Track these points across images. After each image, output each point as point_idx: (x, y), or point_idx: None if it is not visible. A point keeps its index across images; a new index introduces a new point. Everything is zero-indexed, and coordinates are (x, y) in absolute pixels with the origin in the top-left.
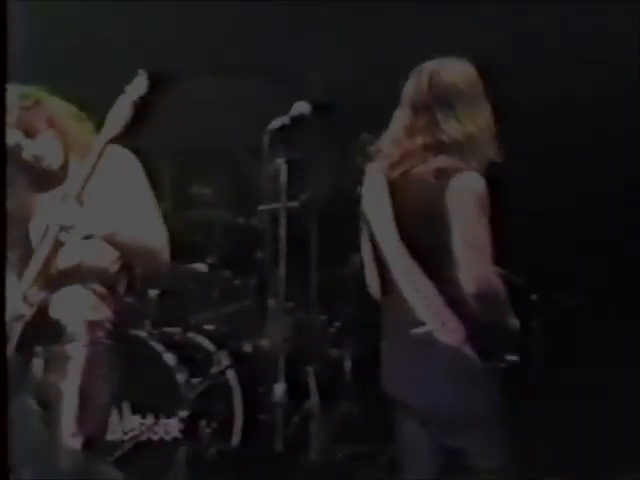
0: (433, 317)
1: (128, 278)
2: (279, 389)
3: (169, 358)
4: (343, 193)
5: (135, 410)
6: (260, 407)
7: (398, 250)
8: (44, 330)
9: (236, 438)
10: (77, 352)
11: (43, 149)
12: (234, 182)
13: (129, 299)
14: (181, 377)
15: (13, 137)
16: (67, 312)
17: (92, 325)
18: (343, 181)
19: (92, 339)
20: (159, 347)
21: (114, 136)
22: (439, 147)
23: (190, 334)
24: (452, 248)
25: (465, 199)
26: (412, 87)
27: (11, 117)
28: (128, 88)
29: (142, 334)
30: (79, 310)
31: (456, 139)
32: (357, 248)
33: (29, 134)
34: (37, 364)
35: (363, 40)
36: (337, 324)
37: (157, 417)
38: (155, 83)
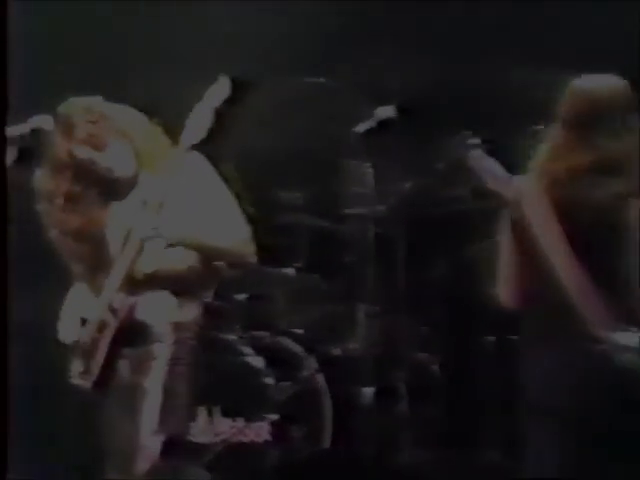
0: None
1: (215, 282)
2: (368, 393)
3: (258, 362)
4: (429, 195)
5: (226, 413)
6: (349, 411)
7: (567, 267)
8: (131, 333)
9: (325, 442)
10: (162, 352)
11: (114, 161)
12: (321, 186)
13: (217, 303)
14: (270, 381)
15: (84, 153)
16: (153, 314)
17: (178, 326)
18: (428, 183)
19: (177, 339)
20: (248, 351)
21: (196, 143)
22: (603, 167)
23: (279, 338)
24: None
25: None
26: (567, 104)
27: (80, 132)
28: (208, 93)
29: (231, 338)
30: (165, 312)
31: (617, 159)
32: (444, 251)
33: (99, 148)
34: (123, 365)
35: (442, 42)
36: (425, 328)
37: (248, 420)
38: (236, 87)
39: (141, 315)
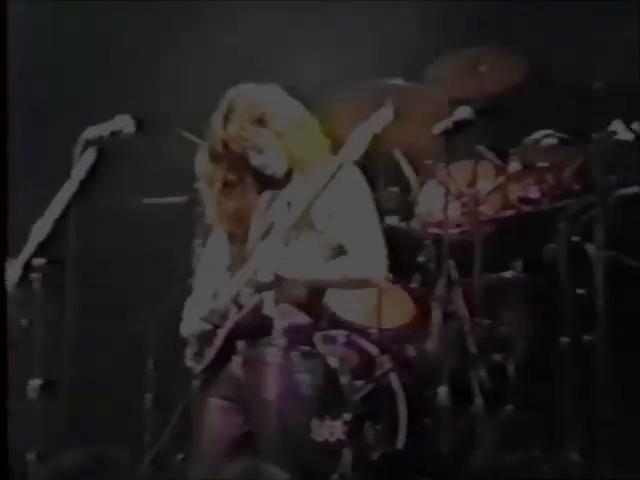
0: None
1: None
2: (442, 392)
3: (332, 361)
4: (502, 196)
5: None
6: (424, 410)
7: None
8: (251, 329)
9: (400, 441)
10: (275, 358)
11: (266, 161)
12: (395, 186)
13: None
14: (344, 379)
15: (237, 147)
16: (277, 313)
17: (292, 329)
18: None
19: (290, 343)
20: (323, 349)
21: (350, 161)
22: None
23: (354, 337)
24: None
25: None
26: None
27: (234, 128)
28: (372, 119)
29: None
30: (287, 312)
31: None
32: (520, 252)
33: (251, 147)
34: (236, 361)
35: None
36: (501, 328)
37: (322, 418)
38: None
39: (267, 311)
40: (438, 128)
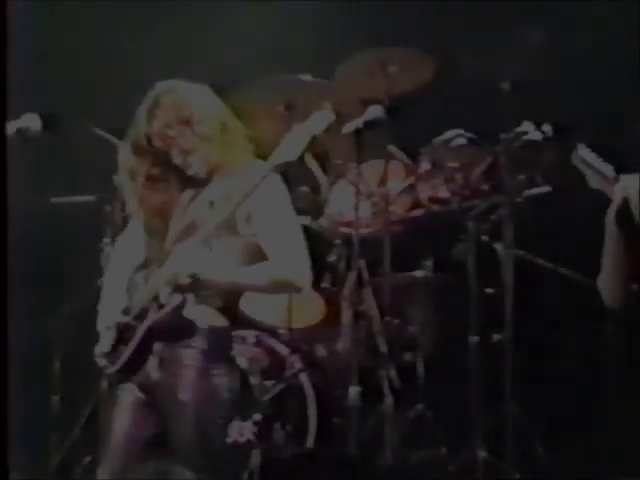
0: None
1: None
2: (353, 392)
3: (242, 361)
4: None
5: None
6: (334, 410)
7: None
8: (170, 330)
9: (310, 441)
10: (192, 359)
11: (190, 162)
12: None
13: None
14: (254, 380)
15: (160, 144)
16: (198, 315)
17: (212, 332)
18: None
19: (209, 346)
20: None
21: (284, 164)
22: None
23: (263, 337)
24: None
25: None
26: None
27: (158, 124)
28: (311, 120)
29: None
30: (207, 314)
31: None
32: (429, 252)
33: (173, 146)
34: (152, 362)
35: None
36: (410, 327)
37: (231, 419)
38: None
39: (188, 314)
40: (348, 127)
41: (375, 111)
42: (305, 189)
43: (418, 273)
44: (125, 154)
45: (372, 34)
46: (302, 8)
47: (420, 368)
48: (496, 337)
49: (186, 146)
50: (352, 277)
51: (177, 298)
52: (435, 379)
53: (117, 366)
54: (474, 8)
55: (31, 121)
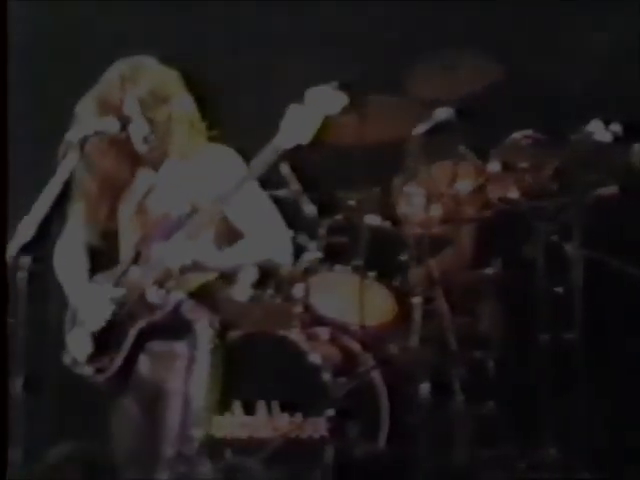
0: None
1: (275, 279)
2: (424, 389)
3: (315, 358)
4: (481, 196)
5: (284, 408)
6: (405, 408)
7: None
8: (164, 329)
9: (382, 438)
10: (183, 351)
11: (149, 139)
12: (380, 186)
13: (276, 300)
14: (327, 377)
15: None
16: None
17: (197, 323)
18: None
19: (200, 339)
20: (306, 347)
21: (294, 147)
22: None
23: (337, 335)
24: None
25: None
26: None
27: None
28: (323, 99)
29: (290, 334)
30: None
31: None
32: (499, 251)
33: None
34: (143, 361)
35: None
36: (481, 325)
37: (305, 415)
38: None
39: (185, 313)
40: (419, 129)
41: (445, 112)
42: (376, 189)
43: (488, 271)
44: (86, 109)
45: (441, 35)
46: (372, 8)
47: (490, 366)
48: (565, 336)
49: (158, 120)
50: (423, 276)
51: (177, 296)
52: (505, 377)
53: (110, 373)
54: (541, 9)
55: (109, 124)
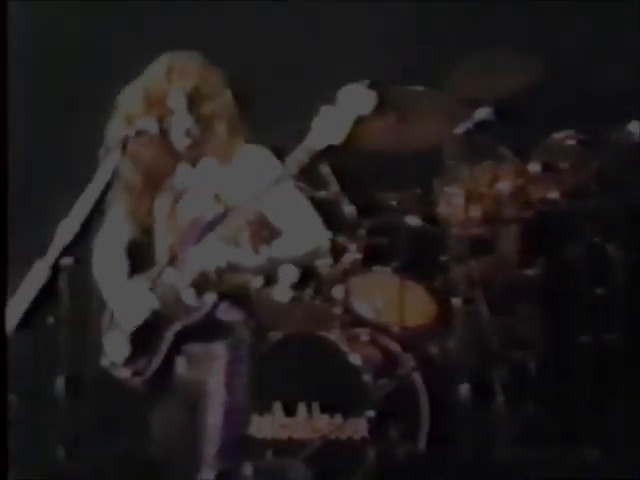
0: None
1: (315, 280)
2: (464, 390)
3: (355, 359)
4: (522, 196)
5: (324, 409)
6: (446, 409)
7: None
8: (201, 331)
9: (422, 439)
10: (221, 351)
11: (176, 133)
12: (420, 187)
13: (316, 301)
14: (367, 378)
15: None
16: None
17: (235, 324)
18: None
19: (236, 339)
20: (346, 348)
21: (325, 148)
22: None
23: (377, 336)
24: None
25: None
26: None
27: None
28: (354, 99)
29: (330, 335)
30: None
31: None
32: (540, 252)
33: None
34: (180, 362)
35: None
36: (521, 326)
37: (345, 417)
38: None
39: (221, 314)
40: (459, 129)
41: (485, 112)
42: (416, 190)
43: (529, 271)
44: (129, 99)
45: (481, 34)
46: (407, 9)
47: (531, 367)
48: (607, 337)
49: (201, 115)
50: (463, 277)
51: (211, 298)
52: (546, 377)
53: (147, 376)
54: (583, 8)
55: (150, 124)
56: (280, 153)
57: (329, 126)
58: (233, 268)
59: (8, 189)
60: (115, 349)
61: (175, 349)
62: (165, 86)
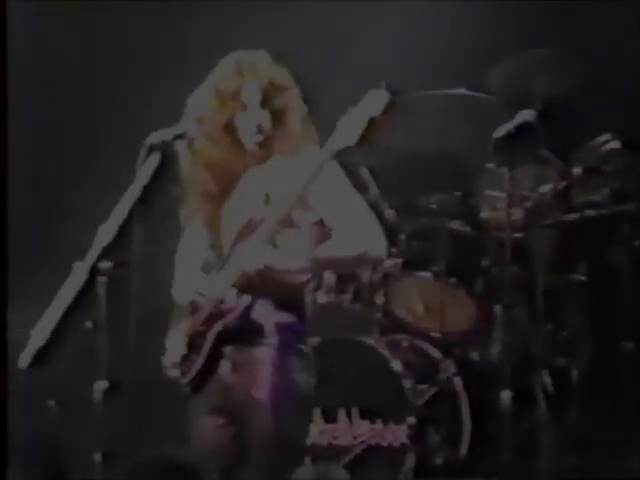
0: None
1: (354, 286)
2: (505, 397)
3: (396, 365)
4: (565, 200)
5: (364, 415)
6: (487, 415)
7: None
8: (240, 332)
9: (464, 446)
10: (266, 356)
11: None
12: (461, 190)
13: (355, 306)
14: (408, 384)
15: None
16: (265, 315)
17: (281, 327)
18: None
19: (282, 342)
20: (386, 353)
21: (343, 149)
22: None
23: (417, 341)
24: None
25: None
26: None
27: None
28: (366, 101)
29: (370, 341)
30: (270, 312)
31: None
32: (583, 256)
33: (274, 118)
34: (224, 366)
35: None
36: (564, 333)
37: (386, 423)
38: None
39: (256, 315)
40: (500, 131)
41: (527, 115)
42: (458, 193)
43: (572, 277)
44: (200, 100)
45: (524, 36)
46: (449, 10)
47: (574, 373)
48: None
49: (275, 109)
50: (504, 282)
51: (246, 299)
52: (590, 385)
53: (190, 376)
54: (625, 9)
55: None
56: None
57: (346, 127)
58: (273, 270)
59: (8, 189)
60: (173, 348)
61: (217, 350)
62: (237, 81)
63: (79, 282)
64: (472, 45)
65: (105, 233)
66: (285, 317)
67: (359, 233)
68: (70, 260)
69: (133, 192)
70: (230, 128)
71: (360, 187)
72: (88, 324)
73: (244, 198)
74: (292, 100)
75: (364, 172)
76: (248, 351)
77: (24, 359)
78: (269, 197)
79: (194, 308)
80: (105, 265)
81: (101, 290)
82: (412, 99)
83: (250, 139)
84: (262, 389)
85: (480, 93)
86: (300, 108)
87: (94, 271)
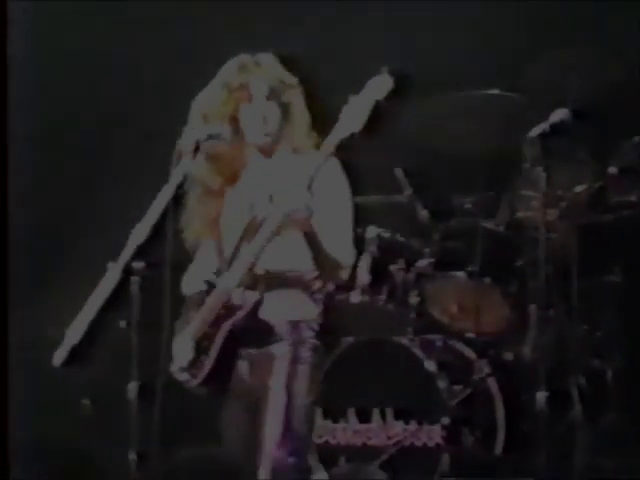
0: None
1: (388, 286)
2: (541, 398)
3: (430, 365)
4: (601, 200)
5: (398, 416)
6: (522, 416)
7: None
8: (252, 331)
9: (499, 447)
10: (282, 352)
11: (267, 126)
12: (495, 190)
13: (389, 306)
14: (442, 384)
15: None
16: (276, 313)
17: (296, 325)
18: (600, 188)
19: (297, 339)
20: (420, 354)
21: (349, 136)
22: None
23: (451, 342)
24: None
25: None
26: None
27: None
28: (370, 86)
29: (404, 341)
30: (285, 310)
31: None
32: (618, 257)
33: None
34: (243, 366)
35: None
36: (599, 333)
37: (420, 423)
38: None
39: (264, 314)
40: (535, 131)
41: (562, 114)
42: (491, 193)
43: (607, 278)
44: (209, 95)
45: (559, 35)
46: (484, 9)
47: (609, 374)
48: None
49: (282, 102)
50: (539, 282)
51: (253, 297)
52: (625, 386)
53: (200, 378)
54: None
55: (222, 127)
56: None
57: (351, 115)
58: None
59: (8, 189)
60: (180, 352)
61: (229, 351)
62: (246, 75)
63: (113, 282)
64: (506, 45)
65: (139, 233)
66: (297, 314)
67: (331, 240)
68: (104, 260)
69: (166, 192)
70: (235, 121)
71: (394, 188)
72: (122, 324)
73: (247, 196)
74: (297, 98)
75: (398, 172)
76: (265, 349)
77: (58, 358)
78: (272, 197)
79: (200, 306)
80: (138, 265)
81: (134, 290)
82: (445, 100)
83: (255, 131)
84: (278, 382)
85: (514, 93)
86: (304, 109)
87: (128, 271)
